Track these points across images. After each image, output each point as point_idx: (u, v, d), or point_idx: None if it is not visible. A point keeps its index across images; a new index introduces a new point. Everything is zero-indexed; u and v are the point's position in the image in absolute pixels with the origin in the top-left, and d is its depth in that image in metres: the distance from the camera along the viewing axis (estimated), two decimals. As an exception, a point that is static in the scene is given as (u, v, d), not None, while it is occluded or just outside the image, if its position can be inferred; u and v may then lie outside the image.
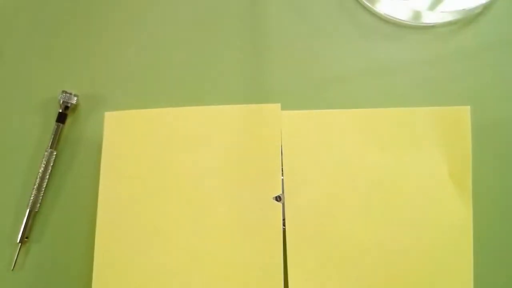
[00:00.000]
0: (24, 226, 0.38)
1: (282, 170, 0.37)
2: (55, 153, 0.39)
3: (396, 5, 0.40)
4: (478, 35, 0.40)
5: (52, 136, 0.40)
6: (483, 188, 0.37)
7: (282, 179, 0.36)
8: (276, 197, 0.36)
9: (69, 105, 0.40)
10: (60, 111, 0.40)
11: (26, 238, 0.38)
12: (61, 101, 0.40)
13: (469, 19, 0.41)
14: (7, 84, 0.42)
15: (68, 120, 0.41)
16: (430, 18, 0.40)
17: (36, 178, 0.39)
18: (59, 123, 0.40)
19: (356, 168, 0.36)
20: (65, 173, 0.40)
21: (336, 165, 0.37)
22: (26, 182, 0.39)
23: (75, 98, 0.40)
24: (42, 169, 0.39)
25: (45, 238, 0.39)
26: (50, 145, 0.39)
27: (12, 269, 0.38)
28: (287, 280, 0.35)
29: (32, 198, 0.38)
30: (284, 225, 0.36)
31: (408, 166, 0.36)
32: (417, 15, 0.40)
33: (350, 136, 0.37)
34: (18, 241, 0.38)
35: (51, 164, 0.39)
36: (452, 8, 0.39)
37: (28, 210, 0.38)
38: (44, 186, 0.39)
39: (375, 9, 0.41)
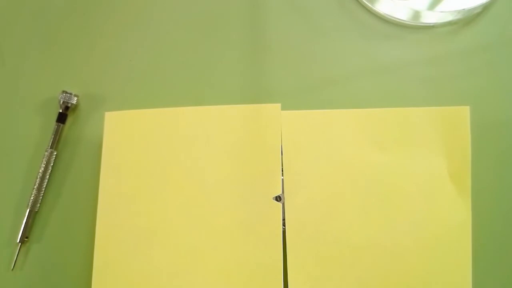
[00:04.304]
0: (24, 226, 0.38)
1: (282, 170, 0.37)
2: (55, 153, 0.39)
3: (396, 5, 0.40)
4: (478, 35, 0.41)
5: (52, 136, 0.40)
6: (482, 188, 0.37)
7: (282, 179, 0.37)
8: (276, 197, 0.36)
9: (69, 105, 0.40)
10: (60, 111, 0.40)
11: (26, 238, 0.38)
12: (61, 101, 0.40)
13: (469, 19, 0.41)
14: (7, 84, 0.42)
15: (68, 120, 0.41)
16: (429, 18, 0.40)
17: (36, 178, 0.39)
18: (59, 123, 0.40)
19: (356, 168, 0.37)
20: (65, 173, 0.40)
21: (336, 165, 0.37)
22: (26, 182, 0.39)
23: (75, 98, 0.40)
24: (42, 169, 0.39)
25: (45, 238, 0.39)
26: (50, 145, 0.39)
27: (12, 269, 0.38)
28: (287, 280, 0.35)
29: (32, 198, 0.38)
30: (284, 225, 0.36)
31: (408, 166, 0.36)
32: (416, 15, 0.40)
33: (350, 136, 0.37)
34: (18, 241, 0.38)
35: (51, 164, 0.39)
36: (451, 8, 0.39)
37: (28, 210, 0.38)
38: (44, 186, 0.39)
39: (375, 9, 0.41)
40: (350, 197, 0.36)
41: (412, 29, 0.41)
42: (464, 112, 0.37)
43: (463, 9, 0.39)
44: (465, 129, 0.36)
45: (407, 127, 0.37)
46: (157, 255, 0.36)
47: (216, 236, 0.36)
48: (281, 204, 0.36)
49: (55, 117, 0.40)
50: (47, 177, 0.39)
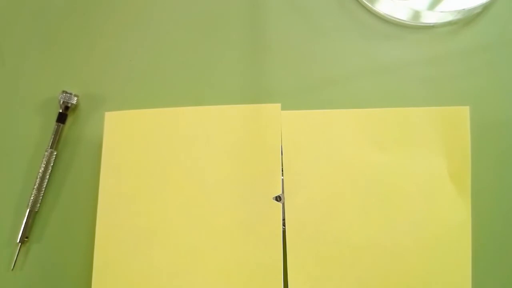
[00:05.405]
0: (24, 226, 0.38)
1: (282, 170, 0.37)
2: (55, 153, 0.39)
3: (396, 5, 0.40)
4: (478, 35, 0.41)
5: (52, 136, 0.40)
6: (482, 188, 0.37)
7: (282, 179, 0.37)
8: (276, 197, 0.36)
9: (69, 105, 0.40)
10: (60, 111, 0.40)
11: (26, 238, 0.38)
12: (61, 101, 0.40)
13: (469, 19, 0.41)
14: (7, 84, 0.42)
15: (68, 120, 0.41)
16: (429, 18, 0.40)
17: (36, 178, 0.39)
18: (59, 123, 0.40)
19: (356, 168, 0.37)
20: (65, 173, 0.40)
21: (336, 165, 0.37)
22: (26, 182, 0.39)
23: (75, 98, 0.40)
24: (42, 169, 0.39)
25: (45, 238, 0.39)
26: (50, 145, 0.39)
27: (12, 269, 0.38)
28: (287, 280, 0.35)
29: (32, 198, 0.38)
30: (284, 225, 0.36)
31: (408, 166, 0.36)
32: (416, 15, 0.40)
33: (350, 136, 0.37)
34: (18, 241, 0.38)
35: (51, 164, 0.39)
36: (451, 8, 0.39)
37: (28, 210, 0.38)
38: (44, 186, 0.39)
39: (375, 9, 0.41)
40: (350, 197, 0.36)
41: (412, 29, 0.41)
42: (464, 112, 0.37)
43: (463, 9, 0.39)
44: (465, 129, 0.36)
45: (407, 127, 0.37)
46: (157, 255, 0.36)
47: (216, 236, 0.36)
48: (281, 204, 0.36)
49: (55, 117, 0.40)
50: (47, 177, 0.39)
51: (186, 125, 0.38)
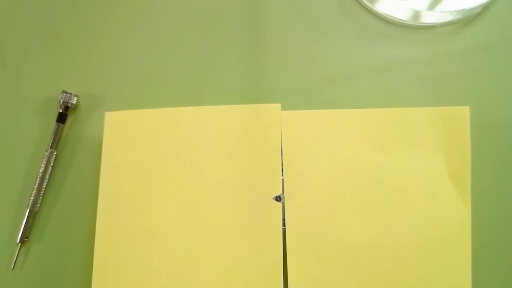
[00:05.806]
0: (24, 226, 0.38)
1: (282, 170, 0.37)
2: (55, 153, 0.39)
3: (396, 5, 0.40)
4: (478, 35, 0.41)
5: (52, 136, 0.40)
6: (482, 188, 0.37)
7: (282, 179, 0.37)
8: (276, 197, 0.36)
9: (69, 105, 0.40)
10: (60, 111, 0.40)
11: (26, 238, 0.38)
12: (61, 101, 0.40)
13: (469, 19, 0.41)
14: (7, 84, 0.42)
15: (68, 120, 0.41)
16: (429, 18, 0.40)
17: (36, 178, 0.39)
18: (59, 123, 0.40)
19: (356, 168, 0.37)
20: (65, 173, 0.40)
21: (336, 165, 0.37)
22: (26, 182, 0.39)
23: (75, 98, 0.40)
24: (42, 169, 0.39)
25: (45, 238, 0.39)
26: (50, 145, 0.39)
27: (12, 269, 0.38)
28: (287, 280, 0.35)
29: (32, 198, 0.38)
30: (284, 225, 0.36)
31: (408, 166, 0.36)
32: (416, 15, 0.40)
33: (350, 136, 0.37)
34: (18, 241, 0.38)
35: (51, 164, 0.39)
36: (451, 8, 0.39)
37: (28, 210, 0.38)
38: (44, 186, 0.39)
39: (375, 9, 0.41)
40: (350, 197, 0.36)
41: (412, 29, 0.41)
42: (464, 112, 0.37)
43: (463, 9, 0.39)
44: (465, 129, 0.36)
45: (407, 127, 0.37)
46: (157, 255, 0.36)
47: (216, 236, 0.36)
48: (281, 204, 0.36)
49: (55, 117, 0.40)
50: (47, 177, 0.39)
51: (186, 125, 0.38)
